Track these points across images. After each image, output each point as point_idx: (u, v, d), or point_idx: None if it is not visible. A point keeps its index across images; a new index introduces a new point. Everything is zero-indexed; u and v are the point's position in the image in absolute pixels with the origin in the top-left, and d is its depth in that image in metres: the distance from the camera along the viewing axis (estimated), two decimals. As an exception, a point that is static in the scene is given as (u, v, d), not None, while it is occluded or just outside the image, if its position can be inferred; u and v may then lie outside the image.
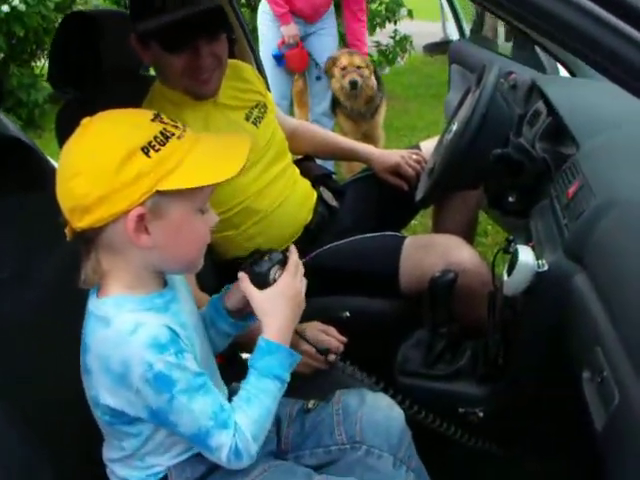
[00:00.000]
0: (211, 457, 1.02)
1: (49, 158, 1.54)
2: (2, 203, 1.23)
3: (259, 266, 1.11)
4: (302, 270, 1.14)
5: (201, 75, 1.62)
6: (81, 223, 0.94)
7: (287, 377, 1.07)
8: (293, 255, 1.14)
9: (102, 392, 0.98)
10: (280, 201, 1.80)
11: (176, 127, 0.97)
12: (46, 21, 5.63)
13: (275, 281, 1.10)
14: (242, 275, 1.11)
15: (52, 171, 1.42)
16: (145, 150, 0.92)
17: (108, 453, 1.09)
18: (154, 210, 0.94)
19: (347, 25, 4.09)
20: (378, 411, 1.19)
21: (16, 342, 1.12)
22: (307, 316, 1.42)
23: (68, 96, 1.80)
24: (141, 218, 0.94)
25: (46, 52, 5.61)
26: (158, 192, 0.93)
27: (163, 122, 0.96)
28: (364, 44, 4.15)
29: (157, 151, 0.92)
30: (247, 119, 1.78)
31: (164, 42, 1.57)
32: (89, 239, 0.97)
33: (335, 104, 3.93)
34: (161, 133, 0.94)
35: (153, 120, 0.96)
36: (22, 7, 5.37)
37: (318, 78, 3.96)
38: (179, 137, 0.96)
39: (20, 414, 1.02)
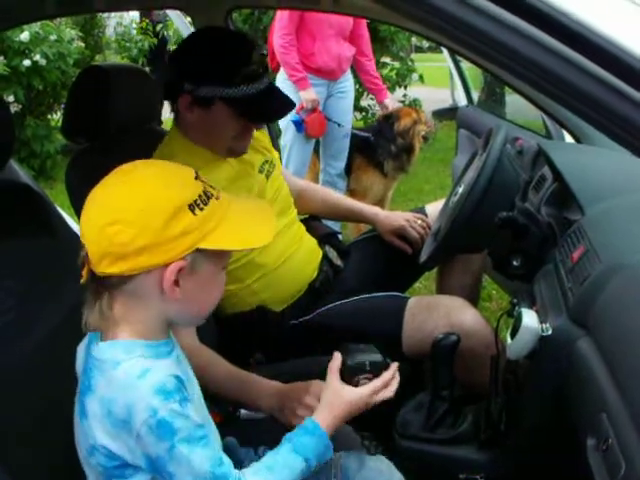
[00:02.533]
0: None
1: (58, 208, 1.55)
2: (10, 248, 1.24)
3: (355, 360, 1.19)
4: (389, 392, 1.19)
5: (248, 135, 1.68)
6: (111, 269, 0.94)
7: (313, 466, 1.07)
8: (390, 371, 1.20)
9: (101, 436, 0.96)
10: (286, 257, 1.80)
11: (213, 188, 1.00)
12: (65, 76, 5.78)
13: (357, 385, 1.17)
14: (337, 355, 1.20)
15: (60, 219, 1.45)
16: (191, 208, 0.94)
17: None
18: (191, 265, 0.97)
19: (362, 73, 4.18)
20: (379, 476, 1.17)
21: (8, 388, 1.11)
22: (309, 375, 1.42)
23: (80, 147, 1.83)
24: (179, 271, 0.96)
25: (63, 105, 5.72)
26: (198, 249, 0.96)
27: (203, 181, 0.99)
28: (380, 79, 4.33)
29: (201, 210, 0.95)
30: (260, 172, 1.81)
31: (248, 112, 1.60)
32: (110, 284, 0.97)
33: (369, 164, 4.07)
34: (204, 192, 0.97)
35: (196, 179, 0.99)
36: (43, 62, 5.53)
37: (346, 136, 4.02)
38: (217, 198, 0.99)
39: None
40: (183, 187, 0.96)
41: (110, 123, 1.73)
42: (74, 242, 1.42)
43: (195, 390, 1.08)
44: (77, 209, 1.75)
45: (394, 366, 1.22)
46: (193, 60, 1.60)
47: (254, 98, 1.56)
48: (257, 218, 1.05)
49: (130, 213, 0.93)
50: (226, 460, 1.00)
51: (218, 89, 1.56)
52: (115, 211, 0.94)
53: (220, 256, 1.01)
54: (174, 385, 0.96)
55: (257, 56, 1.59)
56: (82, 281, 0.99)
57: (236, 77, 1.55)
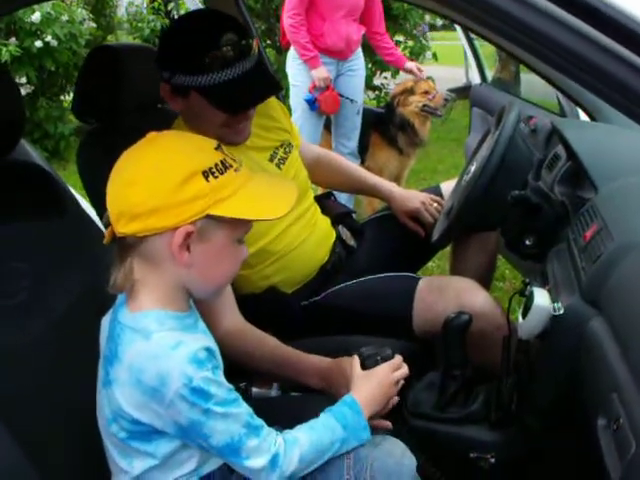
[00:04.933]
0: (241, 466, 1.03)
1: (71, 189, 1.55)
2: (21, 228, 1.24)
3: (369, 353, 1.30)
4: (403, 372, 1.29)
5: (239, 125, 1.60)
6: (126, 229, 0.98)
7: (350, 444, 1.13)
8: (399, 357, 1.31)
9: (126, 403, 0.99)
10: (298, 242, 1.78)
11: (234, 160, 1.03)
12: (76, 57, 5.79)
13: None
14: (355, 357, 1.30)
15: (72, 200, 1.45)
16: (205, 174, 0.97)
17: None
18: (201, 232, 0.99)
19: (376, 47, 4.16)
20: (390, 457, 1.16)
21: (20, 369, 1.12)
22: (321, 353, 1.43)
23: (91, 127, 1.83)
24: (188, 236, 0.98)
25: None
26: (208, 216, 0.98)
27: (224, 153, 1.02)
28: (396, 49, 4.32)
29: (216, 178, 0.98)
30: (271, 160, 1.76)
31: (223, 101, 1.51)
32: (128, 245, 1.01)
33: (383, 140, 4.01)
34: (221, 162, 1.00)
35: (216, 149, 1.02)
36: (54, 43, 5.53)
37: (358, 113, 3.99)
38: (236, 170, 1.01)
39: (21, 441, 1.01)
40: (200, 154, 1.00)
41: (121, 103, 1.72)
42: (85, 223, 1.44)
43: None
44: (88, 190, 1.76)
45: (399, 357, 1.31)
46: (167, 48, 1.54)
47: (228, 85, 1.46)
48: (276, 193, 1.07)
49: (145, 175, 0.97)
50: (257, 418, 1.05)
51: (190, 77, 1.47)
52: (133, 172, 0.99)
53: (233, 226, 1.02)
54: (205, 355, 0.99)
55: (229, 39, 1.45)
56: (105, 241, 1.03)
57: (204, 63, 1.45)
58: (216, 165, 0.98)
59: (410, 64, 4.19)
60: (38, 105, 5.76)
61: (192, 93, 1.50)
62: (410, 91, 3.92)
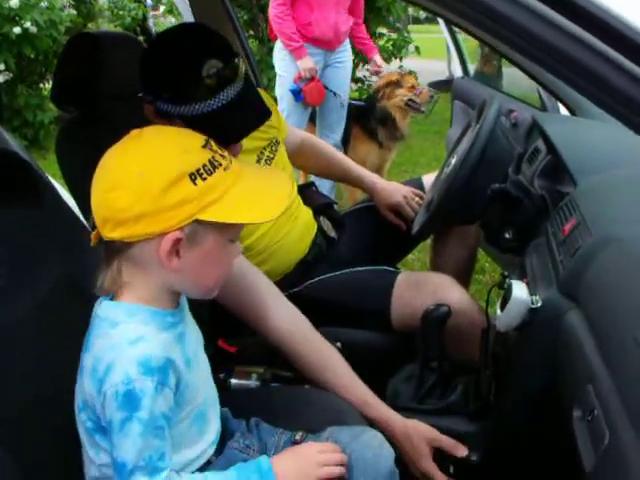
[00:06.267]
0: None
1: (51, 178, 1.53)
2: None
3: None
4: (333, 457, 1.13)
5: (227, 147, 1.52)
6: (112, 234, 0.95)
7: None
8: (330, 445, 1.16)
9: (89, 394, 0.97)
10: (280, 236, 1.78)
11: (223, 157, 0.97)
12: (56, 44, 5.72)
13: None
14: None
15: (50, 189, 1.43)
16: (193, 177, 0.92)
17: (86, 470, 1.07)
18: (190, 237, 0.95)
19: (351, 36, 4.16)
20: (368, 449, 1.16)
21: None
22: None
23: (70, 116, 1.81)
24: (177, 242, 0.94)
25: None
26: (197, 221, 0.94)
27: (212, 150, 0.97)
28: (370, 40, 4.34)
29: (204, 180, 0.93)
30: (258, 161, 1.74)
31: (206, 132, 1.24)
32: (116, 249, 0.97)
33: (364, 133, 4.04)
34: (210, 162, 0.95)
35: (204, 147, 0.96)
36: (33, 29, 5.46)
37: (342, 106, 4.01)
38: (225, 168, 0.96)
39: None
40: (186, 155, 0.94)
41: (101, 92, 1.70)
42: (64, 212, 1.42)
43: (198, 371, 1.06)
44: (68, 179, 1.74)
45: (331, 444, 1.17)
46: (147, 73, 1.43)
47: (213, 116, 1.35)
48: (270, 192, 1.02)
49: (129, 179, 0.93)
50: (167, 463, 0.96)
51: (172, 107, 1.37)
52: (116, 176, 0.94)
53: (225, 229, 0.98)
54: (160, 365, 0.94)
55: (212, 67, 1.34)
56: (92, 244, 1.00)
57: (186, 94, 1.35)
58: (204, 166, 0.93)
59: (377, 57, 4.24)
60: (17, 93, 5.70)
61: (176, 120, 1.38)
62: (396, 84, 3.94)
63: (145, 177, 0.92)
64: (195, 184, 0.92)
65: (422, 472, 1.38)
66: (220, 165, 0.96)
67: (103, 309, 1.01)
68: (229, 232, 0.99)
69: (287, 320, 1.46)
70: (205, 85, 1.34)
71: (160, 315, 1.00)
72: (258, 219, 1.03)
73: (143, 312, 0.99)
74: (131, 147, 0.96)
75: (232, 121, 1.36)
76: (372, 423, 1.35)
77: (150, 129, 1.00)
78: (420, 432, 1.38)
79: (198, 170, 0.93)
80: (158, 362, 0.94)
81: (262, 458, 1.06)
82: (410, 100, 3.91)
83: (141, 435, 0.92)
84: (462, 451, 1.37)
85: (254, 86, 1.51)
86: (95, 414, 0.98)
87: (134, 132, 0.98)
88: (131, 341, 0.94)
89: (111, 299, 1.02)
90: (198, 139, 0.98)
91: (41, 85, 6.23)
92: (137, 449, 0.93)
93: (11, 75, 5.82)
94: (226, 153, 0.99)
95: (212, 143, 0.98)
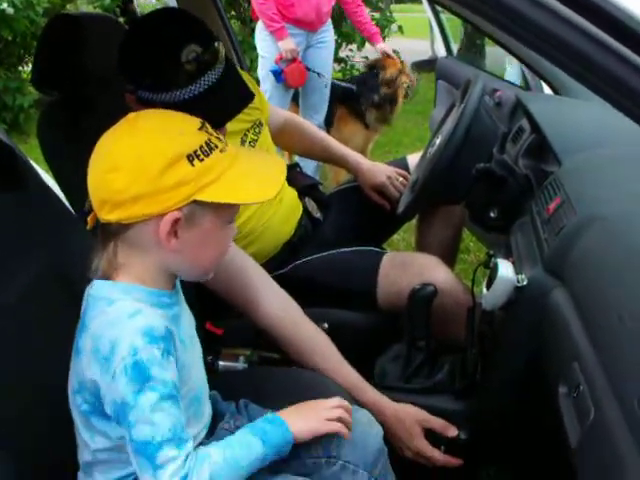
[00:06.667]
0: (147, 477, 0.94)
1: (33, 162, 1.52)
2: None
3: None
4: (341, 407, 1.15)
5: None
6: (109, 216, 0.95)
7: (270, 456, 1.03)
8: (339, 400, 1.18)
9: (89, 374, 0.97)
10: (265, 219, 1.78)
11: (219, 140, 0.99)
12: (34, 26, 5.63)
13: None
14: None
15: (32, 173, 1.42)
16: (190, 158, 0.94)
17: (80, 454, 1.07)
18: (188, 217, 0.96)
19: (353, 20, 4.22)
20: (357, 426, 1.17)
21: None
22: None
23: (51, 99, 1.78)
24: (175, 223, 0.95)
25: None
26: (195, 201, 0.95)
27: (208, 132, 0.98)
28: (372, 24, 4.40)
29: (201, 161, 0.94)
30: (242, 144, 1.74)
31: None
32: (112, 231, 0.98)
33: (350, 114, 4.07)
34: (206, 143, 0.96)
35: (200, 129, 0.98)
36: (10, 11, 5.37)
37: (326, 86, 3.99)
38: (222, 150, 0.97)
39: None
40: (183, 137, 0.96)
41: (82, 74, 1.68)
42: (50, 197, 1.41)
43: (193, 353, 1.07)
44: (51, 163, 1.72)
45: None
46: (127, 61, 1.42)
47: (194, 102, 1.34)
48: (264, 173, 1.03)
49: (127, 161, 0.94)
50: (187, 432, 0.97)
51: (154, 95, 1.36)
52: (114, 158, 0.95)
53: (222, 209, 0.99)
54: (162, 333, 0.95)
55: (191, 52, 1.33)
56: (88, 227, 1.00)
57: (166, 81, 1.35)
58: (201, 147, 0.95)
59: (382, 44, 4.27)
60: (-5, 76, 5.61)
61: (158, 107, 1.35)
62: (400, 71, 4.04)
63: (143, 159, 0.93)
64: (193, 165, 0.94)
65: (415, 452, 1.39)
66: (216, 147, 0.97)
67: (97, 289, 1.01)
68: (226, 213, 1.01)
69: (277, 306, 1.46)
70: (185, 71, 1.34)
71: (156, 295, 1.01)
72: (255, 199, 1.05)
73: (139, 291, 0.99)
74: (128, 130, 0.97)
75: (215, 105, 1.34)
76: (362, 407, 1.36)
77: (147, 112, 1.02)
78: (411, 414, 1.39)
79: (195, 152, 0.94)
80: (160, 331, 0.95)
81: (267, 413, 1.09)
82: (407, 87, 4.02)
83: (158, 404, 0.92)
84: (452, 431, 1.39)
85: (236, 69, 1.50)
86: (92, 395, 0.98)
87: (130, 115, 0.99)
88: (130, 314, 0.95)
89: (106, 279, 1.02)
90: (194, 122, 0.99)
91: (20, 68, 6.13)
92: (159, 420, 0.92)
93: (-12, 58, 5.74)
94: (221, 136, 1.00)
95: (207, 126, 0.99)
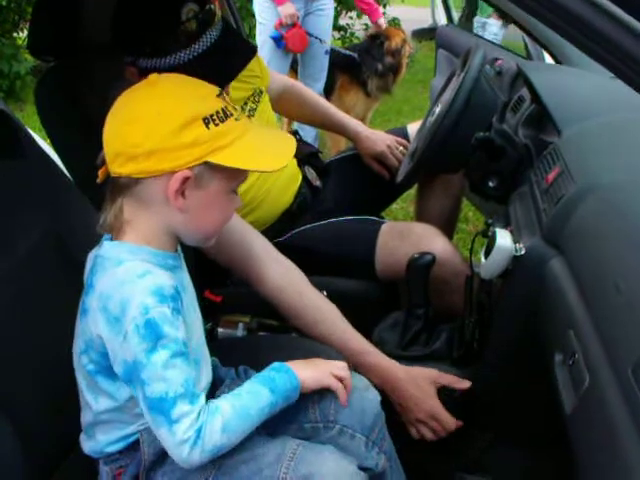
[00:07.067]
0: (167, 430, 0.96)
1: (29, 130, 1.51)
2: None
3: None
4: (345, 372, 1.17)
5: None
6: (122, 169, 0.97)
7: (279, 403, 1.06)
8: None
9: (95, 334, 0.99)
10: (264, 190, 1.78)
11: (235, 109, 1.01)
12: (29, -9, 5.54)
13: None
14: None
15: (30, 140, 1.41)
16: (206, 121, 0.96)
17: (82, 416, 1.09)
18: (198, 178, 0.98)
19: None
20: (354, 392, 1.19)
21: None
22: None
23: (49, 65, 1.76)
24: (185, 181, 0.97)
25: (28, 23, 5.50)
26: (206, 163, 0.97)
27: (226, 101, 1.01)
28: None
29: (216, 125, 0.97)
30: (242, 111, 1.71)
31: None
32: (122, 186, 1.00)
33: (352, 82, 4.07)
34: (222, 110, 0.99)
35: (218, 96, 1.01)
36: (5, -24, 5.29)
37: (326, 53, 3.96)
38: (236, 119, 1.00)
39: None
40: (201, 100, 0.99)
41: (80, 39, 1.66)
42: (45, 163, 1.40)
43: (194, 318, 1.09)
44: (48, 130, 1.71)
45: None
46: (123, 30, 1.39)
47: (197, 62, 1.33)
48: (275, 146, 1.06)
49: (146, 115, 0.96)
50: (199, 387, 1.00)
51: (155, 61, 1.34)
52: (133, 111, 0.98)
53: (230, 176, 1.01)
54: (171, 293, 0.98)
55: (190, 11, 1.31)
56: (98, 180, 1.02)
57: (167, 44, 1.33)
58: (217, 112, 0.97)
59: (381, 20, 4.30)
60: (-10, 42, 5.54)
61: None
62: (404, 41, 4.07)
63: (161, 115, 0.96)
64: (208, 128, 0.96)
65: (430, 414, 1.39)
66: (232, 115, 1.00)
67: (105, 249, 1.03)
68: (233, 180, 1.03)
69: (280, 275, 1.45)
70: (186, 30, 1.33)
71: (162, 256, 1.03)
72: (263, 167, 1.09)
73: (145, 252, 1.01)
74: (149, 89, 1.00)
75: (220, 62, 1.35)
76: (372, 369, 1.37)
77: (168, 75, 1.04)
78: (423, 373, 1.40)
79: (212, 115, 0.97)
80: (170, 291, 0.98)
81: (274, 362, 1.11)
82: (408, 56, 4.06)
83: (170, 360, 0.95)
84: (465, 384, 1.40)
85: (233, 28, 1.49)
86: (99, 354, 1.00)
87: (152, 77, 1.01)
88: (139, 275, 0.97)
89: (112, 238, 1.04)
90: (213, 88, 1.02)
91: (15, 34, 6.04)
92: (171, 376, 0.95)
93: (-17, 24, 5.66)
94: (237, 106, 1.03)
95: (225, 94, 1.02)
